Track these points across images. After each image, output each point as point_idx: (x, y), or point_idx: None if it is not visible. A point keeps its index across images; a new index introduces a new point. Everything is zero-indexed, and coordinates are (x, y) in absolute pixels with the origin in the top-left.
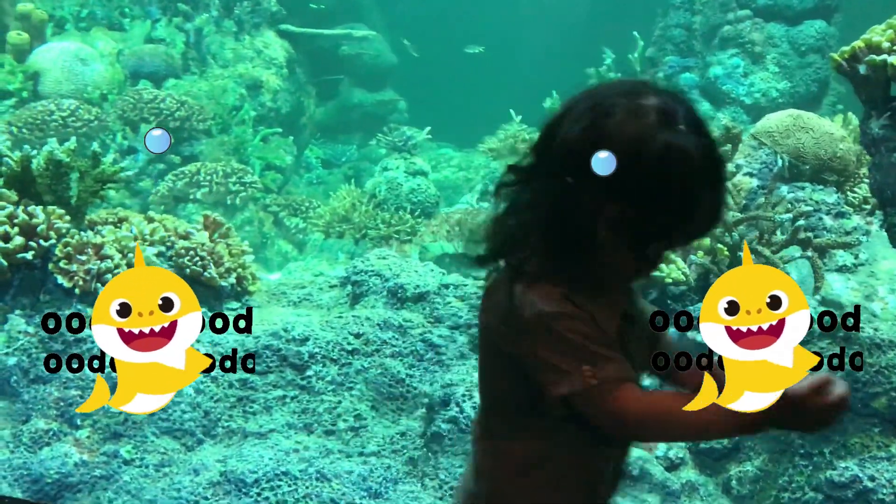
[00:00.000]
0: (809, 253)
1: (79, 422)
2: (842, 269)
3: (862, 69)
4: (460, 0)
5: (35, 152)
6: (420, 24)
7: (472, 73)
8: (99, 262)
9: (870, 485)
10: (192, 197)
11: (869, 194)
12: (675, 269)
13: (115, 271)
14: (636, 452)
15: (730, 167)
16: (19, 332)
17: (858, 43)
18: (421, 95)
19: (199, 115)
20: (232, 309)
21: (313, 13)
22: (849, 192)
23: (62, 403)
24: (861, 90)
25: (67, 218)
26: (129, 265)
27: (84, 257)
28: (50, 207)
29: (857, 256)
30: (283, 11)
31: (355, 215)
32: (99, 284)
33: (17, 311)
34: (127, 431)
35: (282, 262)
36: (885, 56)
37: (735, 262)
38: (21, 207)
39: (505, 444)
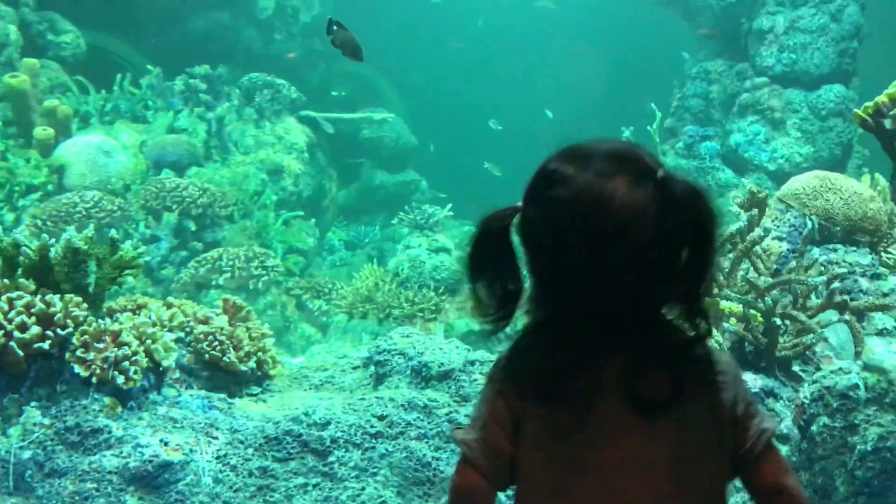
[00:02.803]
0: (847, 317)
1: None
2: (882, 333)
3: (888, 123)
4: (478, 80)
5: (53, 241)
6: (438, 106)
7: (493, 151)
8: (116, 349)
9: None
10: (214, 283)
11: None
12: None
13: (133, 358)
14: None
15: (758, 231)
16: (34, 424)
17: (882, 98)
18: (442, 175)
19: (222, 202)
20: (252, 394)
21: (334, 100)
22: (883, 253)
23: (77, 497)
24: (887, 145)
25: (85, 306)
26: (147, 352)
27: (101, 345)
28: (67, 296)
29: None
30: (304, 98)
31: (378, 295)
32: (116, 372)
33: (33, 403)
34: None
35: (305, 346)
36: None
37: (770, 328)
38: (38, 297)
39: None
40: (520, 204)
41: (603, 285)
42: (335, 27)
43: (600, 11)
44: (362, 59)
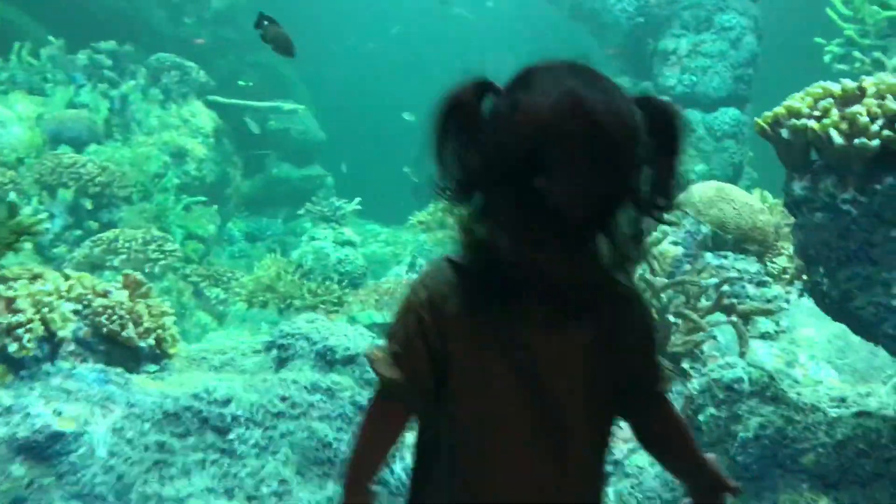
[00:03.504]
0: (734, 318)
1: None
2: (764, 336)
3: (784, 133)
4: (393, 81)
5: None
6: (347, 99)
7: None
8: (10, 316)
9: None
10: (109, 264)
11: (788, 265)
12: None
13: (28, 326)
14: None
15: (656, 235)
16: None
17: (780, 109)
18: (348, 172)
19: (121, 182)
20: (150, 372)
21: (242, 90)
22: (769, 263)
23: None
24: (783, 154)
25: None
26: (43, 321)
27: None
28: None
29: (778, 324)
30: (212, 83)
31: (280, 285)
32: (9, 339)
33: None
34: (31, 496)
35: (200, 335)
36: (804, 120)
37: (664, 324)
38: None
39: None
40: (495, 84)
41: (572, 192)
42: (266, 22)
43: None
44: (294, 55)
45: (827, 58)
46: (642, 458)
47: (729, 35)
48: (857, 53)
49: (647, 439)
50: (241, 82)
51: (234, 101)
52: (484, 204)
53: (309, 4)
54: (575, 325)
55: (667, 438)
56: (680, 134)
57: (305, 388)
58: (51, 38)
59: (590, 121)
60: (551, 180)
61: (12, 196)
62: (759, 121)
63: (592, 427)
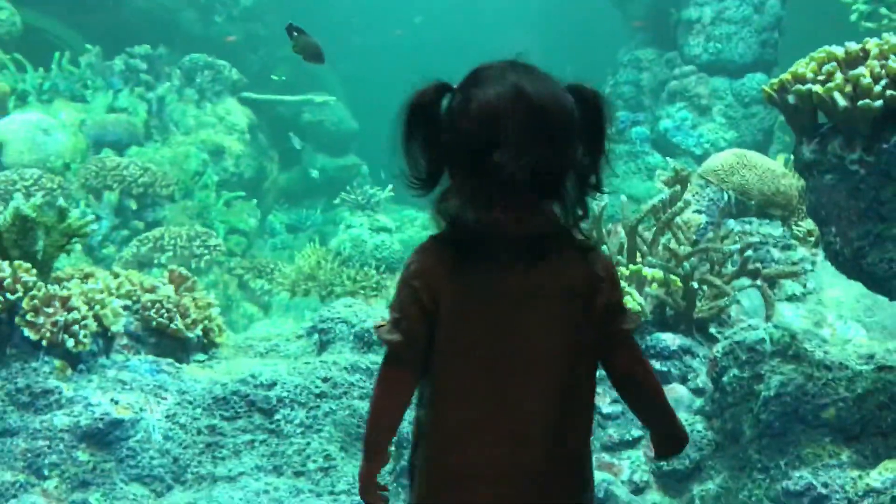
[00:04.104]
0: (759, 282)
1: (46, 472)
2: (791, 299)
3: (790, 99)
4: (419, 64)
5: (1, 209)
6: (379, 89)
7: None
8: (66, 313)
9: (823, 491)
10: (156, 262)
11: (813, 227)
12: (630, 300)
13: (83, 323)
14: (600, 475)
15: (679, 204)
16: None
17: (786, 75)
18: (384, 160)
19: (163, 181)
20: (199, 361)
21: (274, 84)
22: (794, 226)
23: (30, 454)
24: (791, 119)
25: (34, 272)
26: (97, 317)
27: (51, 310)
28: (16, 262)
29: (804, 286)
30: (245, 80)
31: (321, 273)
32: (66, 336)
33: None
34: (95, 480)
35: (247, 325)
36: (809, 85)
37: (688, 292)
38: None
39: None
40: (451, 85)
41: (521, 162)
42: (295, 33)
43: None
44: (324, 61)
45: (854, 16)
46: None
47: (752, 0)
48: (884, 10)
49: (616, 380)
50: (273, 76)
51: (266, 96)
52: (450, 185)
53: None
54: (539, 272)
55: (632, 377)
56: (605, 116)
57: (345, 368)
58: (88, 45)
59: (530, 104)
60: (503, 155)
61: (61, 201)
62: (766, 88)
63: (567, 367)
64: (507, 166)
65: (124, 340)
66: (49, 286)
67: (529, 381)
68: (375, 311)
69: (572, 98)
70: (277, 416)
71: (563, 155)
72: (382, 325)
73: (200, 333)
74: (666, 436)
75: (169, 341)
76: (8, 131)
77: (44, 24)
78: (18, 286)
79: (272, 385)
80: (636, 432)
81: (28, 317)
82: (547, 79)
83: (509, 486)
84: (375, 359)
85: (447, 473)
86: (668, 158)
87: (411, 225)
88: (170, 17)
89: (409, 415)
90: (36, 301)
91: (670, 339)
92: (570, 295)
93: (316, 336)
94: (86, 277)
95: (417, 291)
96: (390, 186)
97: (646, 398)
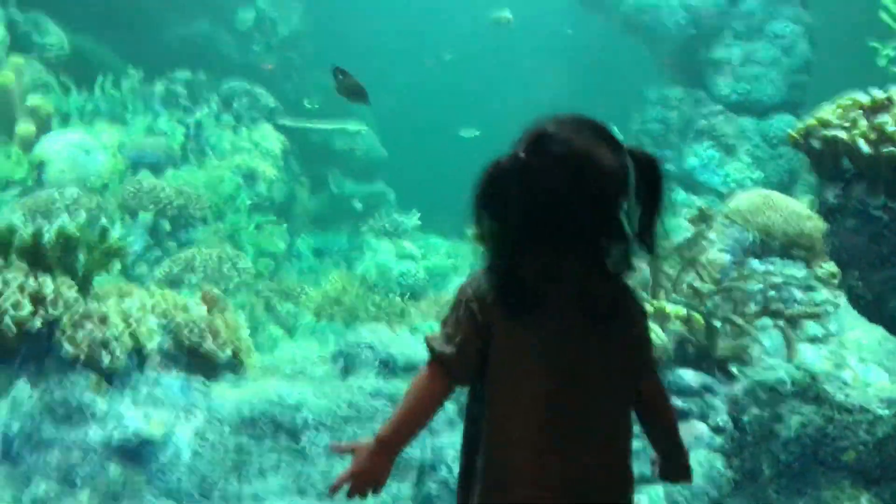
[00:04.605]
0: (781, 323)
1: (79, 483)
2: (813, 340)
3: (815, 144)
4: (449, 94)
5: (47, 226)
6: (409, 115)
7: (463, 162)
8: (104, 330)
9: None
10: (187, 282)
11: (836, 269)
12: (654, 336)
13: (119, 339)
14: None
15: (703, 243)
16: (24, 397)
17: (811, 121)
18: (410, 187)
19: (197, 204)
20: (228, 381)
21: (308, 111)
22: (817, 268)
23: (63, 467)
24: (816, 163)
25: (75, 288)
26: (132, 335)
27: (89, 326)
28: (59, 278)
29: (826, 328)
30: (280, 107)
31: (346, 298)
32: (103, 352)
33: (23, 378)
34: (126, 493)
35: (272, 347)
36: (834, 131)
37: (710, 330)
38: (31, 278)
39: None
40: (521, 154)
41: (579, 220)
42: (340, 76)
43: (570, 35)
44: (368, 102)
45: (883, 61)
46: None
47: (781, 42)
48: None
49: (638, 404)
50: (307, 104)
51: (302, 123)
52: (517, 237)
53: (369, 32)
54: (598, 328)
55: (654, 404)
56: (660, 180)
57: (370, 393)
58: (131, 69)
59: (588, 179)
60: (564, 215)
61: (104, 221)
62: (792, 133)
63: (613, 413)
64: (568, 225)
65: (157, 358)
66: (88, 303)
67: (589, 420)
68: (400, 338)
69: (630, 161)
70: (303, 438)
71: (609, 217)
72: (434, 336)
73: (230, 354)
74: (675, 465)
75: (200, 360)
76: (51, 151)
77: (89, 47)
78: (60, 302)
79: (299, 407)
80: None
81: (68, 332)
82: (607, 143)
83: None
84: (400, 385)
85: None
86: (693, 197)
87: (436, 252)
88: (210, 44)
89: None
90: (76, 317)
91: (691, 377)
92: (628, 336)
93: (341, 360)
94: (123, 295)
95: (473, 313)
96: (417, 214)
97: (661, 426)
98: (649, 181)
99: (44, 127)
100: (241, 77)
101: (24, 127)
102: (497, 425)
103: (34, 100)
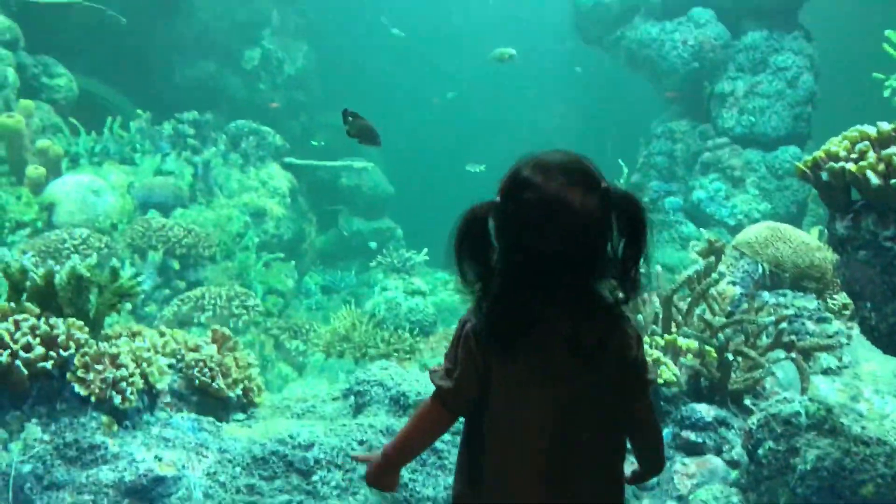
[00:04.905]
0: (794, 355)
1: None
2: (826, 372)
3: (824, 176)
4: (455, 132)
5: (58, 268)
6: (415, 153)
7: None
8: (115, 370)
9: None
10: (196, 321)
11: (848, 300)
12: (665, 370)
13: (130, 380)
14: None
15: (713, 276)
16: (35, 439)
17: (819, 153)
18: (417, 222)
19: (205, 242)
20: (238, 420)
21: (314, 149)
22: (828, 299)
23: None
24: (825, 195)
25: (86, 329)
26: (143, 375)
27: (101, 366)
28: (70, 319)
29: (840, 359)
30: (287, 145)
31: (355, 335)
32: (114, 392)
33: (34, 420)
34: None
35: (282, 385)
36: (842, 163)
37: (723, 363)
38: (43, 320)
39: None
40: (497, 199)
41: (557, 263)
42: (350, 118)
43: (572, 68)
44: (380, 144)
45: (886, 92)
46: (706, 493)
47: (785, 75)
48: None
49: (629, 423)
50: (313, 143)
51: (308, 161)
52: (500, 281)
53: (374, 63)
54: (588, 363)
55: (645, 425)
56: (640, 219)
57: (381, 431)
58: (139, 111)
59: (559, 223)
60: (540, 259)
61: (114, 261)
62: (799, 165)
63: (608, 442)
64: (554, 267)
65: (168, 398)
66: (99, 343)
67: (584, 450)
68: (410, 375)
69: (607, 204)
70: (315, 478)
71: (593, 256)
72: (436, 370)
73: (240, 393)
74: (648, 473)
75: (210, 400)
76: (61, 192)
77: (98, 90)
78: (71, 343)
79: (310, 446)
80: (670, 503)
81: (79, 373)
82: (588, 186)
83: None
84: None
85: None
86: (702, 229)
87: (444, 288)
88: (217, 84)
89: None
90: (87, 358)
91: (705, 410)
92: (621, 364)
93: (352, 398)
94: (134, 335)
95: (471, 350)
96: (425, 250)
97: (649, 446)
98: (630, 220)
99: (53, 169)
100: (248, 116)
101: (34, 169)
102: (494, 455)
103: (44, 142)
